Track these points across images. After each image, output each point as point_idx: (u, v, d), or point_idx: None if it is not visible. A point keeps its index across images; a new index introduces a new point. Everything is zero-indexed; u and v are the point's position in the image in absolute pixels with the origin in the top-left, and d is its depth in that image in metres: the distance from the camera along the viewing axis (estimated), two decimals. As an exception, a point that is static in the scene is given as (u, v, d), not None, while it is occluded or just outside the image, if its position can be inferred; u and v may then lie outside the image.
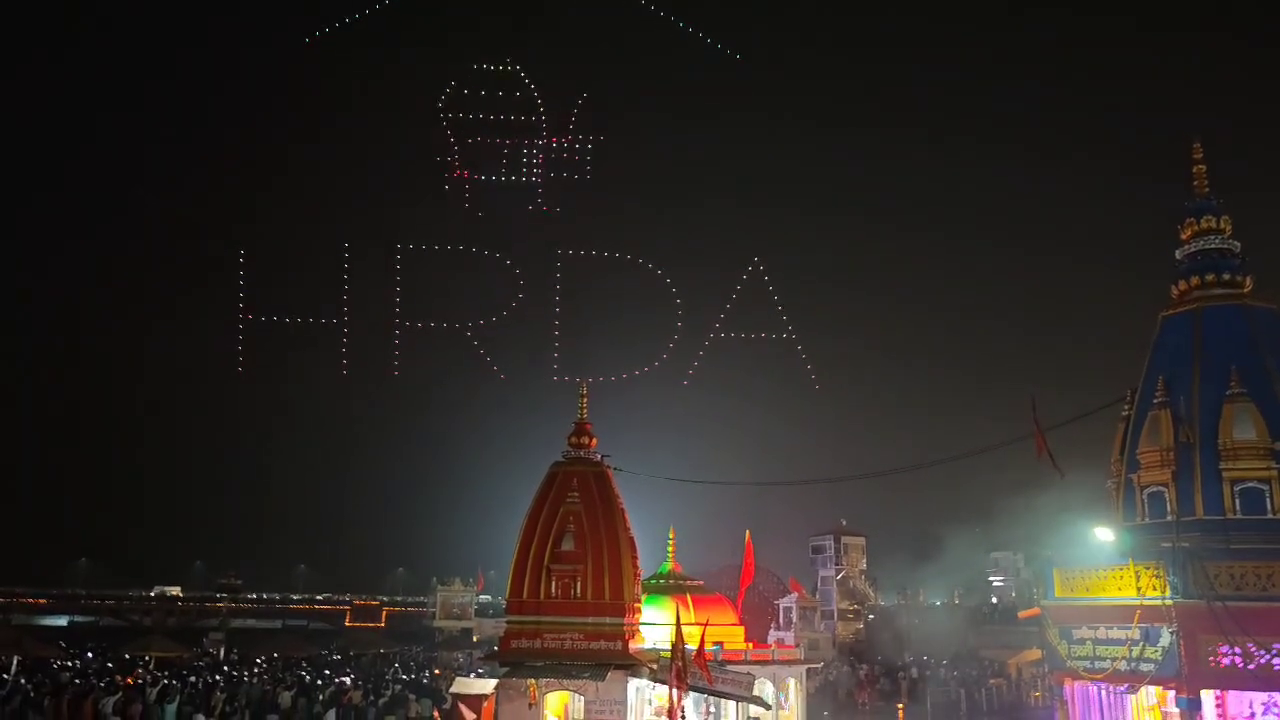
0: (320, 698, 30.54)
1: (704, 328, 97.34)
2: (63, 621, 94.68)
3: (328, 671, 41.87)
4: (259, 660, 49.24)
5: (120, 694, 28.53)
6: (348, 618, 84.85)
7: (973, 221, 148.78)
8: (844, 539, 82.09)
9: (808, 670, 27.59)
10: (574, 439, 23.06)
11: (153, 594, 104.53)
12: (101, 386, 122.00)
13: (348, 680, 35.75)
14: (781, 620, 52.34)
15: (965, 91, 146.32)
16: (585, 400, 23.69)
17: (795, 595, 58.68)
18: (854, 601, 78.36)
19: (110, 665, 43.67)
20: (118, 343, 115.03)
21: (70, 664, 43.70)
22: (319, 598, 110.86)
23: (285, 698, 30.85)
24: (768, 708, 23.26)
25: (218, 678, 37.53)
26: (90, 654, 51.78)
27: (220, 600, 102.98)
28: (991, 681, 42.79)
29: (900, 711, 34.33)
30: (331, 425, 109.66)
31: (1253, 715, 17.08)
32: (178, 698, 28.71)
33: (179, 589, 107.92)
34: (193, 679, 36.12)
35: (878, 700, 39.22)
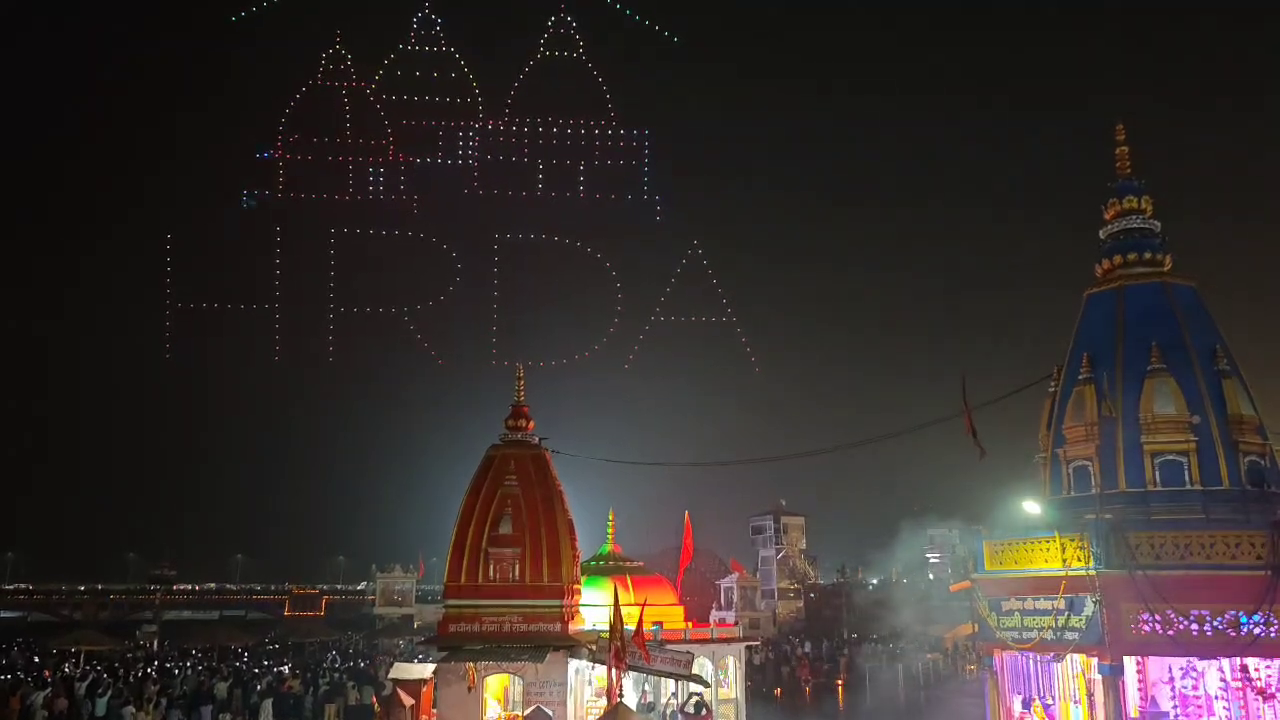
0: (258, 687, 30.11)
1: (644, 311, 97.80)
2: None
3: (266, 661, 41.28)
4: (194, 651, 48.33)
5: (48, 689, 27.84)
6: (286, 607, 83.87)
7: (908, 201, 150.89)
8: (784, 519, 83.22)
9: (747, 648, 27.88)
10: (511, 422, 22.95)
11: (83, 587, 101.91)
12: (25, 375, 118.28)
13: (286, 670, 35.29)
14: (723, 600, 52.91)
15: (902, 65, 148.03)
16: (522, 383, 23.58)
17: (736, 575, 59.38)
18: (794, 580, 79.40)
19: (37, 660, 42.55)
20: (41, 329, 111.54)
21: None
22: (257, 587, 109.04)
23: (221, 688, 30.36)
24: (706, 685, 23.46)
25: (151, 670, 36.79)
26: (16, 649, 50.38)
27: (154, 592, 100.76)
28: (928, 656, 43.69)
29: (840, 687, 34.91)
30: (267, 412, 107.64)
31: (1171, 679, 17.68)
32: (109, 691, 28.09)
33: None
34: (124, 671, 35.36)
35: (818, 677, 39.79)
